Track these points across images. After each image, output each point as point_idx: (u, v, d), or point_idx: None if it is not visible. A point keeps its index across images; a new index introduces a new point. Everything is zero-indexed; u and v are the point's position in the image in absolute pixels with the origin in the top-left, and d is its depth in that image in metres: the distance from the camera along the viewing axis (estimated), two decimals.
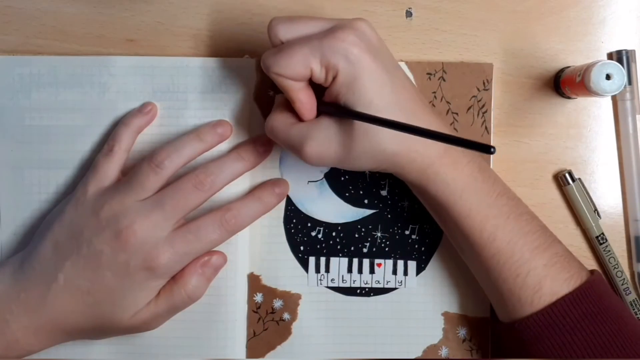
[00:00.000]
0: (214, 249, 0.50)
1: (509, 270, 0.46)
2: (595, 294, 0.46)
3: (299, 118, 0.47)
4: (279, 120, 0.47)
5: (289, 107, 0.47)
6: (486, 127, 0.53)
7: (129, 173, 0.50)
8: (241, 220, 0.50)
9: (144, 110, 0.52)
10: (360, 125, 0.43)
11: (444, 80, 0.53)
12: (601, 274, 0.49)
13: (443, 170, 0.46)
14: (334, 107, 0.45)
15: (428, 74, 0.53)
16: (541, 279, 0.46)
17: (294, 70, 0.43)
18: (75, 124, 0.52)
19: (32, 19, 0.54)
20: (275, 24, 0.45)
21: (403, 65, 0.53)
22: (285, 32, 0.44)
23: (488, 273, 0.47)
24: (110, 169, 0.50)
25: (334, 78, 0.44)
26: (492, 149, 0.36)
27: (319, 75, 0.44)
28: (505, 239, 0.46)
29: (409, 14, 0.54)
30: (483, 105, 0.53)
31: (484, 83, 0.53)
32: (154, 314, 0.49)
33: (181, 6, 0.54)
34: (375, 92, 0.43)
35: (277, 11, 0.54)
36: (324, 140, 0.45)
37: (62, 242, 0.48)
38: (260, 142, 0.52)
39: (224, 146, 0.52)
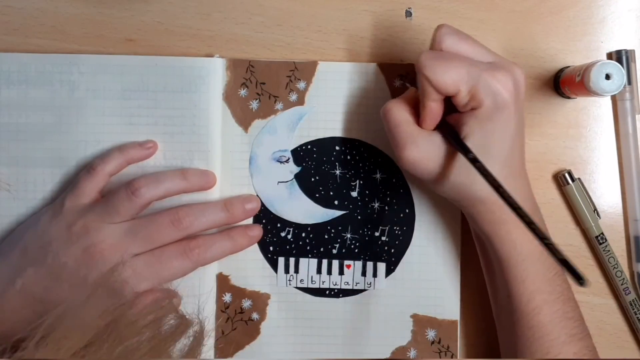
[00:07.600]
0: (171, 292, 0.50)
1: (541, 345, 0.46)
2: None
3: (417, 119, 0.47)
4: (398, 110, 0.47)
5: (415, 105, 0.47)
6: None
7: (107, 195, 0.50)
8: (206, 251, 0.50)
9: (145, 145, 0.52)
10: (464, 160, 0.44)
11: None
12: None
13: (515, 232, 0.46)
14: (453, 135, 0.45)
15: None
16: None
17: (443, 83, 0.44)
18: (45, 121, 0.52)
19: (32, 19, 0.53)
20: (445, 32, 0.45)
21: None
22: (451, 44, 0.45)
23: (518, 339, 0.47)
24: (88, 188, 0.50)
25: (472, 109, 0.44)
26: (582, 281, 0.35)
27: (462, 99, 0.44)
28: (549, 317, 0.46)
29: (408, 14, 0.54)
30: None
31: None
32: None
33: (181, 6, 0.54)
34: (497, 141, 0.44)
35: (277, 11, 0.54)
36: (426, 153, 0.45)
37: (30, 250, 0.48)
38: (249, 200, 0.52)
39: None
